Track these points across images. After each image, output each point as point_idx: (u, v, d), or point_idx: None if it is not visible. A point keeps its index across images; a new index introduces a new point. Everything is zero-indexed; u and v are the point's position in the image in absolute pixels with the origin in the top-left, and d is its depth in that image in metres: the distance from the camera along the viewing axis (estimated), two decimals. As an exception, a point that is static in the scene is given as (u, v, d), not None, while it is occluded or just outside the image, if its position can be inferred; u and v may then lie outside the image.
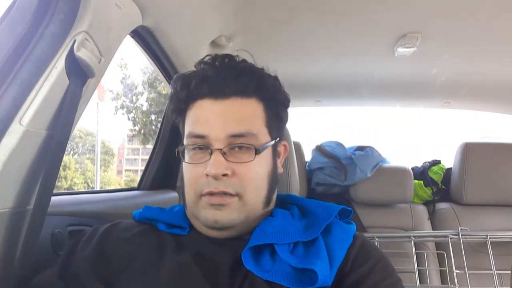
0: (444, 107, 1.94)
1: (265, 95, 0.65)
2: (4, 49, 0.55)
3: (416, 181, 1.73)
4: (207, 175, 0.58)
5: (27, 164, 0.57)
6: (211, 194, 0.58)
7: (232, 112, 0.61)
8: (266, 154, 0.64)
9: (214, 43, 1.17)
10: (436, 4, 1.01)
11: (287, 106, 0.70)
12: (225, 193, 0.58)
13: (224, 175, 0.58)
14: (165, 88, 1.33)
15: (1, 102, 0.54)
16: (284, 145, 0.70)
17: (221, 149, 0.59)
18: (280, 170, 0.68)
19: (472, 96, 1.75)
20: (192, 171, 0.61)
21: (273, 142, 0.65)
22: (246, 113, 0.62)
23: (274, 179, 0.65)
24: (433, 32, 1.16)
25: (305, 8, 1.05)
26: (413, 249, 1.45)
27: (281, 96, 0.68)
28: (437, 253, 1.53)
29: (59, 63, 0.58)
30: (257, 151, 0.61)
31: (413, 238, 1.45)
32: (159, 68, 1.14)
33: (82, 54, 0.60)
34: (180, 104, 0.65)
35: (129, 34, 0.85)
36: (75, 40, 0.60)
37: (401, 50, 1.25)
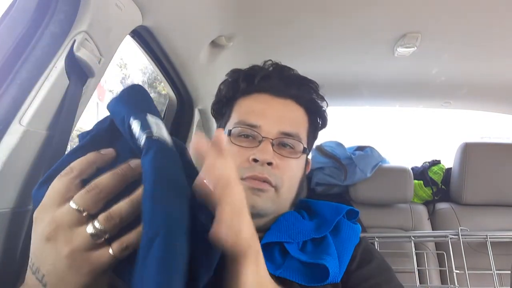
0: (444, 107, 1.94)
1: (312, 110, 0.69)
2: (4, 49, 0.55)
3: (416, 181, 1.73)
4: (254, 160, 0.60)
5: (27, 164, 0.57)
6: (253, 178, 0.60)
7: (287, 111, 0.65)
8: (302, 161, 0.67)
9: (214, 43, 1.17)
10: (436, 4, 1.01)
11: (321, 129, 0.74)
12: (265, 181, 0.60)
13: (269, 163, 0.60)
14: (165, 88, 1.33)
15: (1, 102, 0.54)
16: (309, 162, 0.73)
17: (271, 140, 0.62)
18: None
19: (472, 96, 1.75)
20: (237, 154, 0.62)
21: (309, 153, 0.69)
22: (298, 118, 0.67)
23: (302, 186, 0.69)
24: (433, 32, 1.16)
25: (304, 9, 1.05)
26: (413, 249, 1.45)
27: (323, 118, 0.72)
28: (437, 253, 1.53)
29: (59, 63, 0.58)
30: (305, 150, 0.64)
31: (413, 238, 1.45)
32: (159, 68, 1.14)
33: (82, 54, 0.60)
34: (235, 93, 0.68)
35: (129, 34, 0.85)
36: (75, 40, 0.60)
37: (401, 50, 1.25)
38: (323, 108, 0.71)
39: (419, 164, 1.88)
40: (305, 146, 0.66)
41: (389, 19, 1.10)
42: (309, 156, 0.73)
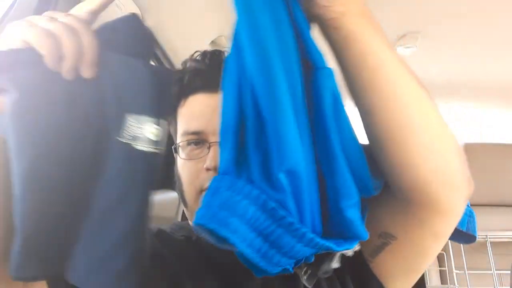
0: (444, 107, 1.94)
1: None
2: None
3: (416, 181, 1.73)
4: (207, 169, 0.55)
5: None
6: None
7: None
8: None
9: (214, 43, 1.17)
10: (436, 4, 1.01)
11: None
12: None
13: None
14: (165, 88, 1.33)
15: (1, 102, 0.54)
16: None
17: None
18: None
19: (472, 96, 1.75)
20: (191, 167, 0.58)
21: None
22: None
23: None
24: (433, 32, 1.16)
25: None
26: (413, 249, 1.45)
27: None
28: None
29: (59, 63, 0.58)
30: None
31: (413, 238, 1.45)
32: (159, 68, 1.13)
33: (82, 54, 0.60)
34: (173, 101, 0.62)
35: (129, 34, 0.85)
36: (75, 40, 0.60)
37: (401, 50, 1.25)
38: None
39: (419, 164, 1.88)
40: None
41: (389, 19, 1.10)
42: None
